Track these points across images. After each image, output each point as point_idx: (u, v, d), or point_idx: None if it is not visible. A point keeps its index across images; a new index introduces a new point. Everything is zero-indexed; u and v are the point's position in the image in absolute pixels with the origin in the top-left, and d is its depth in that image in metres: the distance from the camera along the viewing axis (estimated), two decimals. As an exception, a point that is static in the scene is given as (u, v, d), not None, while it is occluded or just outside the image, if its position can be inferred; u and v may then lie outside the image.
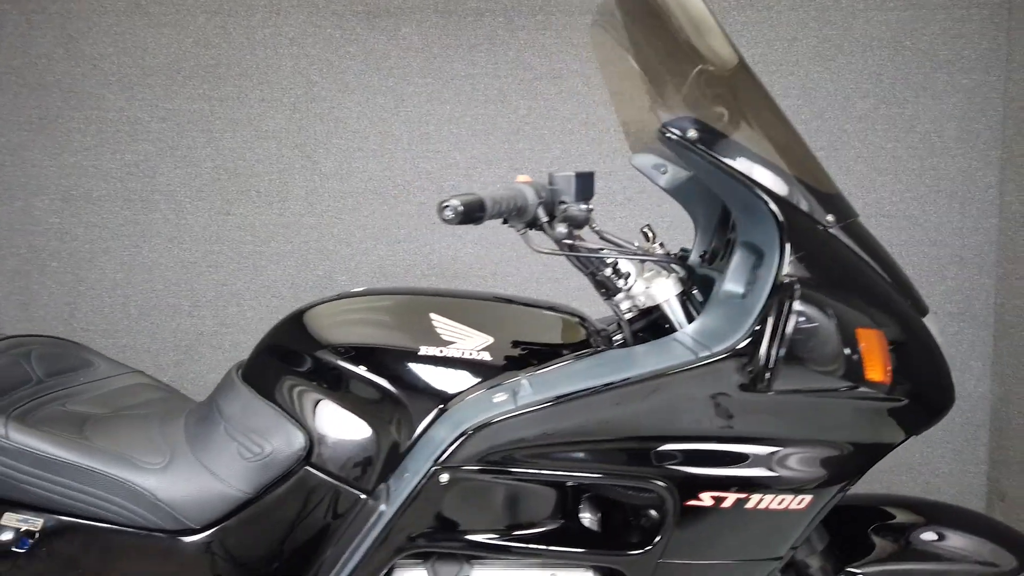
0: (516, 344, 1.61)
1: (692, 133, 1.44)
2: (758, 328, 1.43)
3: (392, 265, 3.23)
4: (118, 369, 1.97)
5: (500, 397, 1.48)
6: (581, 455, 1.45)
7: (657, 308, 1.62)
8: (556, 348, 1.62)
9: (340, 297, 1.74)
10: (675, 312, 1.61)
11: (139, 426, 1.73)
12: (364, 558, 1.48)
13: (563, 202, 1.57)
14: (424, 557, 1.52)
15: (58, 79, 3.20)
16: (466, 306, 1.67)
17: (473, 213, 1.41)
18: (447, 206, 1.40)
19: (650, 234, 1.72)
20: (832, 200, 1.51)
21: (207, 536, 1.59)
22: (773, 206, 1.44)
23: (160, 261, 3.25)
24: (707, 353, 1.43)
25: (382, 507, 1.48)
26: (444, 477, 1.44)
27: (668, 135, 1.45)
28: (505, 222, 1.58)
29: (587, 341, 1.64)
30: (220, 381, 1.78)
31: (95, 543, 1.61)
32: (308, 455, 1.59)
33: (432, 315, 1.63)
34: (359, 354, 1.60)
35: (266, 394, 1.66)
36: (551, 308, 1.73)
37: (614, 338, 1.67)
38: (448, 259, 3.23)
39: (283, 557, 1.60)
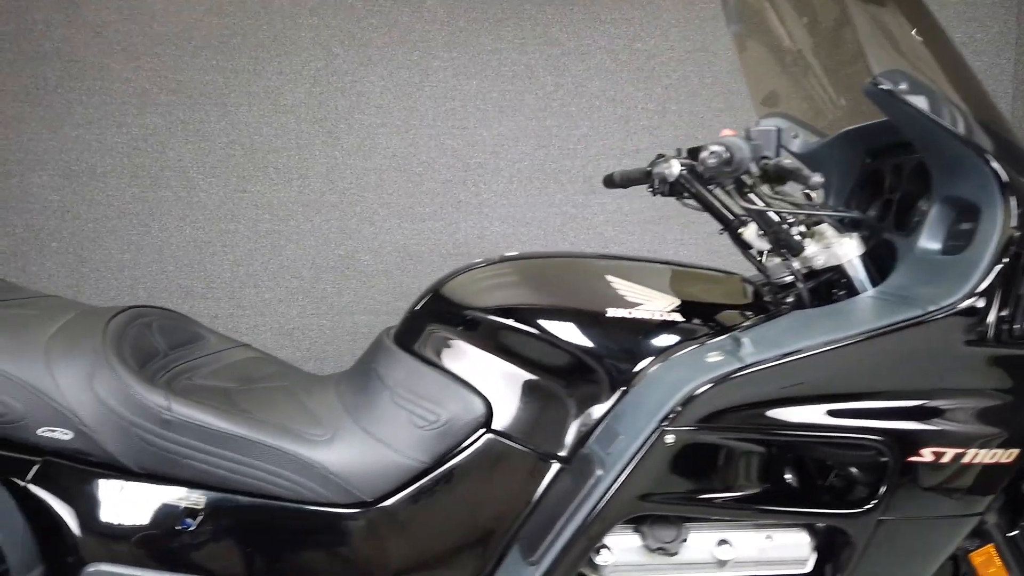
0: (698, 304, 1.58)
1: (903, 86, 1.43)
2: (989, 283, 1.42)
3: (416, 244, 3.14)
4: (227, 343, 1.85)
5: (715, 357, 1.44)
6: (803, 413, 1.43)
7: (830, 269, 1.61)
8: (734, 308, 1.59)
9: (497, 261, 1.67)
10: (858, 272, 1.59)
11: (286, 398, 1.63)
12: (583, 525, 1.41)
13: (765, 157, 1.55)
14: (637, 521, 1.47)
15: (57, 47, 2.99)
16: (637, 268, 1.63)
17: (727, 163, 1.37)
18: (713, 152, 1.36)
19: (813, 196, 1.71)
20: (1025, 156, 1.53)
21: (382, 509, 1.51)
22: (995, 163, 1.44)
23: (171, 240, 3.07)
24: (935, 308, 1.42)
25: (598, 472, 1.42)
26: (670, 438, 1.40)
27: (880, 87, 1.43)
28: (709, 180, 1.54)
29: (761, 302, 1.61)
30: (370, 348, 1.69)
31: (263, 520, 1.51)
32: (488, 421, 1.52)
33: (608, 277, 1.58)
34: (542, 316, 1.54)
35: (432, 360, 1.58)
36: (706, 268, 1.70)
37: (787, 299, 1.65)
38: (474, 237, 3.16)
39: (466, 528, 1.52)
